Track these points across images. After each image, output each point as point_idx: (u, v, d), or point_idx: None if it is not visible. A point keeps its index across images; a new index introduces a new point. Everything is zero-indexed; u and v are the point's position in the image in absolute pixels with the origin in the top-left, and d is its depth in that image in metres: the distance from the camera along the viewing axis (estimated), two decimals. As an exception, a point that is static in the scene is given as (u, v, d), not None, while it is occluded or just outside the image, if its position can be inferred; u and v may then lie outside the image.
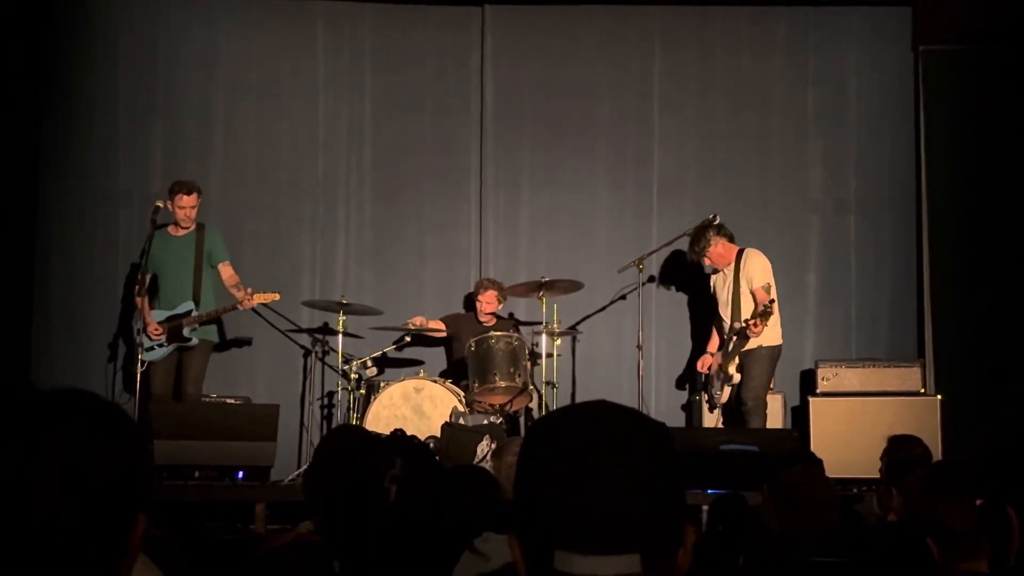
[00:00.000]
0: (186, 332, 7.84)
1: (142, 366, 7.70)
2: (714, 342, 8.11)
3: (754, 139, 9.21)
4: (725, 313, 7.97)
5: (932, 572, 2.75)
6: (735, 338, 7.80)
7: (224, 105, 9.13)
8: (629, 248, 8.68)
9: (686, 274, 8.79)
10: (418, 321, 8.41)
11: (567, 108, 9.24)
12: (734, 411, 7.85)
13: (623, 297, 8.82)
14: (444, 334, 8.56)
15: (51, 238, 8.83)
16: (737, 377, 7.83)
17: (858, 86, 9.21)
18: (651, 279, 8.79)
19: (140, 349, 7.67)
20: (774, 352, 7.86)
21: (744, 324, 7.63)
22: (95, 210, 8.89)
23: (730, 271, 7.97)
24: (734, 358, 7.82)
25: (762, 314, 7.48)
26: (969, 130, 8.87)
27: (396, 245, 9.17)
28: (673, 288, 8.95)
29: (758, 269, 7.87)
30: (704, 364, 8.01)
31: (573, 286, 8.33)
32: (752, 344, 7.75)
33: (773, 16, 9.29)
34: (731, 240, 8.02)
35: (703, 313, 8.55)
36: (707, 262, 8.06)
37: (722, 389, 7.87)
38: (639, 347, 7.90)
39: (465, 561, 2.98)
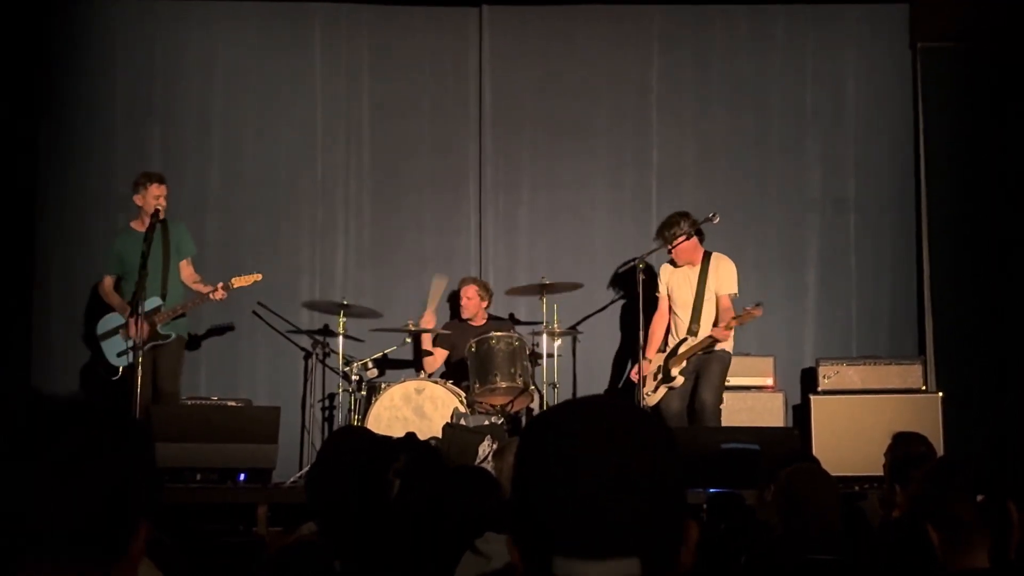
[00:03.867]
0: (161, 329, 7.62)
1: (116, 374, 7.55)
2: (653, 346, 8.02)
3: (752, 139, 9.20)
4: (683, 313, 7.92)
5: (934, 568, 2.75)
6: (690, 339, 7.79)
7: (222, 108, 9.13)
8: (629, 248, 8.67)
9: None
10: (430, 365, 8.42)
11: (565, 109, 9.23)
12: (677, 415, 7.71)
13: (624, 297, 8.82)
14: (447, 353, 8.56)
15: (50, 241, 8.83)
16: (680, 380, 7.75)
17: (856, 85, 9.20)
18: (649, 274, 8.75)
19: (127, 354, 7.40)
20: (729, 357, 7.86)
21: (716, 329, 7.64)
22: (93, 213, 8.89)
23: (693, 272, 7.92)
24: (683, 360, 7.78)
25: (739, 317, 7.54)
26: (968, 127, 8.86)
27: (395, 247, 9.17)
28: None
29: (731, 276, 7.87)
30: (637, 372, 7.90)
31: (573, 286, 8.33)
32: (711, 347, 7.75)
33: (771, 15, 9.28)
34: (701, 241, 7.98)
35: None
36: (670, 252, 7.93)
37: (657, 389, 7.81)
38: (641, 346, 7.89)
39: (466, 561, 2.98)
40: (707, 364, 7.77)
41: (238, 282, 7.71)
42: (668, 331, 8.06)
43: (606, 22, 9.29)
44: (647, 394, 7.85)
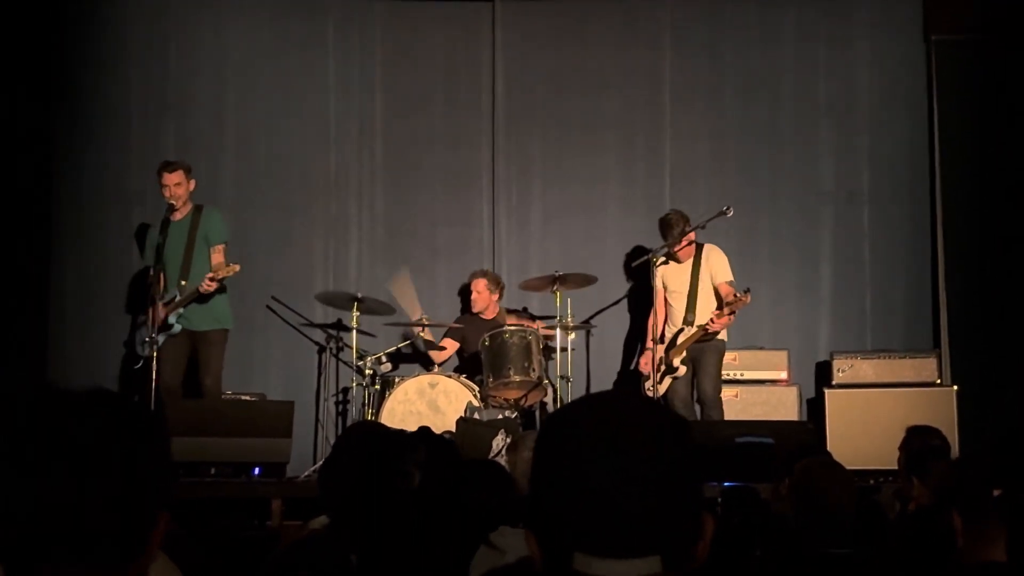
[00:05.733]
0: (171, 319, 7.59)
1: (137, 363, 7.62)
2: (650, 336, 8.03)
3: (765, 131, 9.18)
4: (678, 303, 7.95)
5: (951, 560, 2.75)
6: (687, 329, 7.84)
7: (235, 102, 9.14)
8: (642, 241, 8.67)
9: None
10: (442, 355, 8.44)
11: (578, 102, 9.22)
12: (685, 401, 7.83)
13: (637, 290, 8.81)
14: (457, 345, 8.56)
15: (65, 237, 8.85)
16: (683, 369, 7.82)
17: (869, 76, 9.16)
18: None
19: (144, 345, 7.50)
20: (724, 346, 7.94)
21: (715, 315, 7.66)
22: (108, 209, 8.91)
23: (686, 263, 7.98)
24: (682, 350, 7.83)
25: (730, 304, 7.56)
26: (982, 119, 8.82)
27: (408, 241, 9.17)
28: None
29: (724, 264, 7.93)
30: (646, 361, 7.94)
31: (587, 280, 8.32)
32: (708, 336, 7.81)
33: (783, 6, 9.25)
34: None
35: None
36: (679, 252, 7.94)
37: (662, 380, 7.87)
38: (653, 340, 7.89)
39: (481, 555, 2.98)
40: (703, 354, 7.84)
41: (221, 273, 7.53)
42: (666, 322, 8.09)
43: (618, 16, 9.27)
44: (653, 385, 7.85)
